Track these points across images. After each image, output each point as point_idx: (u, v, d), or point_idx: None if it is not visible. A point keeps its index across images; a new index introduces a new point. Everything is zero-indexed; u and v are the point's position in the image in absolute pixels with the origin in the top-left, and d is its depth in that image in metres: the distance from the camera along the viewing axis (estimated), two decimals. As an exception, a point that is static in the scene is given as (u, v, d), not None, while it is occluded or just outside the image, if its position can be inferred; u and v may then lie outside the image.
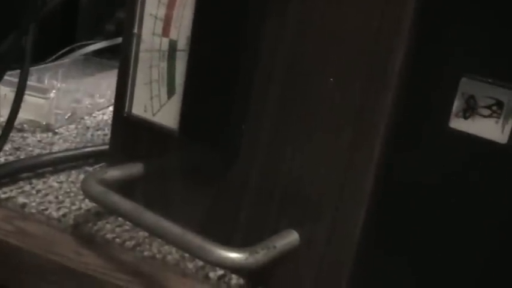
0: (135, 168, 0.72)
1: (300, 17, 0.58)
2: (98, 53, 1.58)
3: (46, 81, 1.16)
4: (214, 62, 0.63)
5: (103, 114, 1.20)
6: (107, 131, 1.09)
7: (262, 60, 0.60)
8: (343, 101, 0.56)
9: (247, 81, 0.61)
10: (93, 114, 1.19)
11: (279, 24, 0.59)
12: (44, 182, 0.84)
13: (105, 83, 1.31)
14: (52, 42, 1.44)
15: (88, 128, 1.10)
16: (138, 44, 0.69)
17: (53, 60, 1.33)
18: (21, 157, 0.90)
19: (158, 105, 0.68)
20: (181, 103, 0.65)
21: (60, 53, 1.49)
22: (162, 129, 0.68)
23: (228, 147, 0.64)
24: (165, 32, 0.67)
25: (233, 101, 0.62)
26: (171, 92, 0.67)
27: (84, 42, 1.60)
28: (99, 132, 1.08)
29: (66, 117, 1.10)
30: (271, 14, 0.59)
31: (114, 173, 0.70)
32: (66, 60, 1.38)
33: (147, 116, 0.70)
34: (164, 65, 0.67)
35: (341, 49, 0.56)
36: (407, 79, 0.54)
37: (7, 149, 0.90)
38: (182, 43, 0.65)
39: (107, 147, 0.91)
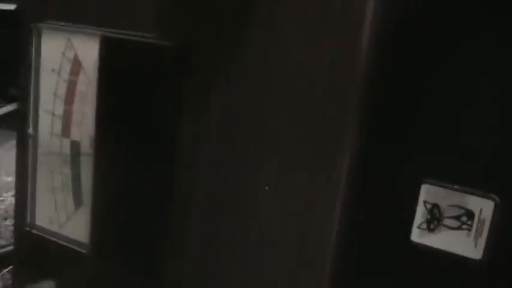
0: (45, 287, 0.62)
1: (222, 117, 0.49)
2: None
3: None
4: (124, 168, 0.53)
5: (12, 196, 1.08)
6: (17, 218, 0.97)
7: (182, 164, 0.51)
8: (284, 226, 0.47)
9: (167, 187, 0.52)
10: (1, 197, 1.06)
11: (200, 123, 0.50)
12: None
13: (12, 156, 1.19)
14: None
15: (-5, 217, 0.98)
16: (35, 146, 0.59)
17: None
18: None
19: (65, 216, 0.58)
20: (90, 216, 0.55)
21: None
22: (71, 242, 0.58)
23: (145, 267, 0.54)
24: (66, 132, 0.56)
25: (150, 212, 0.52)
26: (78, 201, 0.56)
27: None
28: (7, 222, 0.96)
29: (-32, 208, 0.97)
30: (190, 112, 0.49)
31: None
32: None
33: (54, 228, 0.59)
34: (67, 170, 0.56)
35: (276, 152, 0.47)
36: (358, 184, 0.45)
37: None
38: (86, 145, 0.55)
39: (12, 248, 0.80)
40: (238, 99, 0.48)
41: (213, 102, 0.49)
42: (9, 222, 0.95)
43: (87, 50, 0.54)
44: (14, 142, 1.28)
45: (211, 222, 0.51)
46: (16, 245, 0.66)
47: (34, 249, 0.63)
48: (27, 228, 0.61)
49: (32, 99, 0.58)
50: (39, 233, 0.60)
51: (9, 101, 1.44)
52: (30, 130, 0.58)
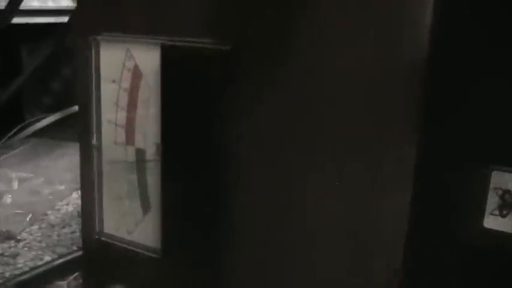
0: (116, 293, 0.63)
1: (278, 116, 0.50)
2: (42, 130, 1.49)
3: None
4: (191, 172, 0.54)
5: (67, 204, 1.10)
6: (74, 226, 0.99)
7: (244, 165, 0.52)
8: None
9: (231, 188, 0.52)
10: (56, 207, 1.08)
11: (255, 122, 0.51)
12: (14, 312, 0.74)
13: (62, 165, 1.21)
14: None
15: (53, 226, 1.00)
16: (99, 156, 0.60)
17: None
18: (-16, 282, 0.80)
19: (133, 222, 0.59)
20: (161, 220, 0.56)
21: (10, 134, 1.40)
22: (141, 248, 0.59)
23: (214, 266, 0.55)
24: (130, 140, 0.57)
25: (218, 213, 0.53)
26: (146, 207, 0.57)
27: (30, 120, 1.50)
28: (65, 230, 0.98)
29: (28, 218, 0.99)
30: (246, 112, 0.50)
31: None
32: (15, 146, 1.28)
33: (122, 234, 0.60)
34: (133, 177, 0.57)
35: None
36: (427, 173, 0.45)
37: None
38: (151, 151, 0.56)
39: (76, 255, 0.82)
40: (294, 96, 0.49)
41: (271, 101, 0.50)
42: (68, 230, 0.97)
43: (147, 58, 0.55)
44: (59, 151, 1.31)
45: (274, 221, 0.52)
46: (85, 253, 0.67)
47: (103, 257, 0.64)
48: (96, 236, 0.62)
49: (94, 110, 0.60)
50: (108, 240, 0.61)
51: (44, 110, 1.46)
52: (94, 141, 0.60)
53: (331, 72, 0.47)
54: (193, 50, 0.52)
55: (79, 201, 1.09)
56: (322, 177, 0.49)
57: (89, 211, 0.64)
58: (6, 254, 0.87)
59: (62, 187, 1.11)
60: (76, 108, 1.59)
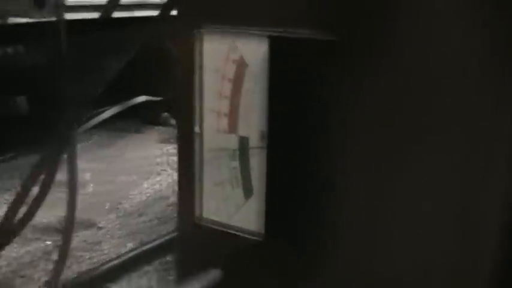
0: (214, 276, 0.65)
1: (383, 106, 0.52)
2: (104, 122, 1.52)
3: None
4: (296, 157, 0.57)
5: (139, 193, 1.13)
6: (150, 215, 1.02)
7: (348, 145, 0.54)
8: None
9: (336, 173, 0.55)
10: (130, 195, 1.12)
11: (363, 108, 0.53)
12: (107, 296, 0.77)
13: (128, 155, 1.25)
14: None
15: (130, 214, 1.03)
16: (201, 143, 0.63)
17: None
18: (74, 266, 0.84)
19: (234, 207, 0.61)
20: (265, 205, 0.58)
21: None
22: (242, 231, 0.62)
23: (318, 249, 0.57)
24: (232, 128, 0.60)
25: (322, 196, 0.56)
26: (248, 193, 0.60)
27: (92, 113, 1.54)
28: (142, 218, 1.01)
29: (106, 207, 1.03)
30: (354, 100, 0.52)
31: (196, 285, 0.63)
32: (80, 138, 1.32)
33: (222, 219, 0.63)
34: (236, 164, 0.60)
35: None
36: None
37: (54, 257, 0.83)
38: (254, 139, 0.59)
39: (160, 241, 0.85)
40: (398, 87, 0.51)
41: (373, 91, 0.52)
42: (145, 218, 1.00)
43: (252, 50, 0.57)
44: (123, 142, 1.34)
45: (372, 205, 0.54)
46: (181, 237, 0.70)
47: (201, 241, 0.67)
48: (196, 221, 0.65)
49: (196, 99, 0.62)
50: (208, 225, 0.64)
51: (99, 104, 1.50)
52: (197, 129, 0.62)
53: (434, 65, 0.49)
54: (300, 41, 0.54)
55: (150, 191, 1.12)
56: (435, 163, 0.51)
57: (186, 197, 0.67)
58: (89, 241, 0.90)
59: (134, 177, 1.14)
60: (136, 100, 1.63)
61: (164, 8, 0.75)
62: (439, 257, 0.52)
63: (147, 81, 1.52)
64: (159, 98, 1.56)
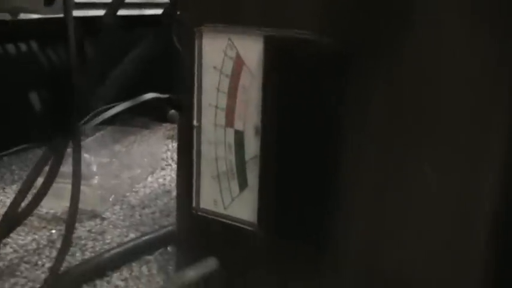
0: (210, 265, 0.68)
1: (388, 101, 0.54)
2: (114, 118, 1.55)
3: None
4: (290, 151, 0.59)
5: (144, 187, 1.16)
6: (154, 207, 1.05)
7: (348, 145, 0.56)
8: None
9: (332, 170, 0.57)
10: (134, 189, 1.15)
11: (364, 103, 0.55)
12: (108, 282, 0.80)
13: (136, 150, 1.28)
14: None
15: (133, 207, 1.06)
16: (199, 136, 0.65)
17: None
18: (77, 254, 0.87)
19: (229, 198, 0.64)
20: (258, 196, 0.61)
21: (82, 122, 1.47)
22: (236, 221, 0.64)
23: (314, 241, 0.59)
24: (229, 122, 0.63)
25: (317, 190, 0.58)
26: (242, 185, 0.63)
27: (101, 108, 1.57)
28: (146, 211, 1.04)
29: (110, 199, 1.06)
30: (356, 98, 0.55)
31: (191, 273, 0.66)
32: (89, 133, 1.35)
33: (218, 209, 0.66)
34: (232, 157, 0.63)
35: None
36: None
37: (59, 245, 0.86)
38: (249, 133, 0.61)
39: (162, 232, 0.88)
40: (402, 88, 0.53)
41: (376, 94, 0.54)
42: (148, 210, 1.03)
43: (248, 48, 0.60)
44: (132, 138, 1.37)
45: (376, 198, 0.56)
46: (180, 227, 0.73)
47: (198, 230, 0.70)
48: (193, 211, 0.68)
49: (195, 94, 0.65)
50: (205, 215, 0.67)
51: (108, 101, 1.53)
52: (195, 122, 0.65)
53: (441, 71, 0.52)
54: (295, 41, 0.57)
55: (155, 185, 1.15)
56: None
57: (185, 188, 0.70)
58: (93, 230, 0.93)
59: (138, 171, 1.17)
60: (144, 97, 1.65)
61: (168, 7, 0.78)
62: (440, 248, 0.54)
63: (155, 79, 1.55)
64: (166, 96, 1.59)
